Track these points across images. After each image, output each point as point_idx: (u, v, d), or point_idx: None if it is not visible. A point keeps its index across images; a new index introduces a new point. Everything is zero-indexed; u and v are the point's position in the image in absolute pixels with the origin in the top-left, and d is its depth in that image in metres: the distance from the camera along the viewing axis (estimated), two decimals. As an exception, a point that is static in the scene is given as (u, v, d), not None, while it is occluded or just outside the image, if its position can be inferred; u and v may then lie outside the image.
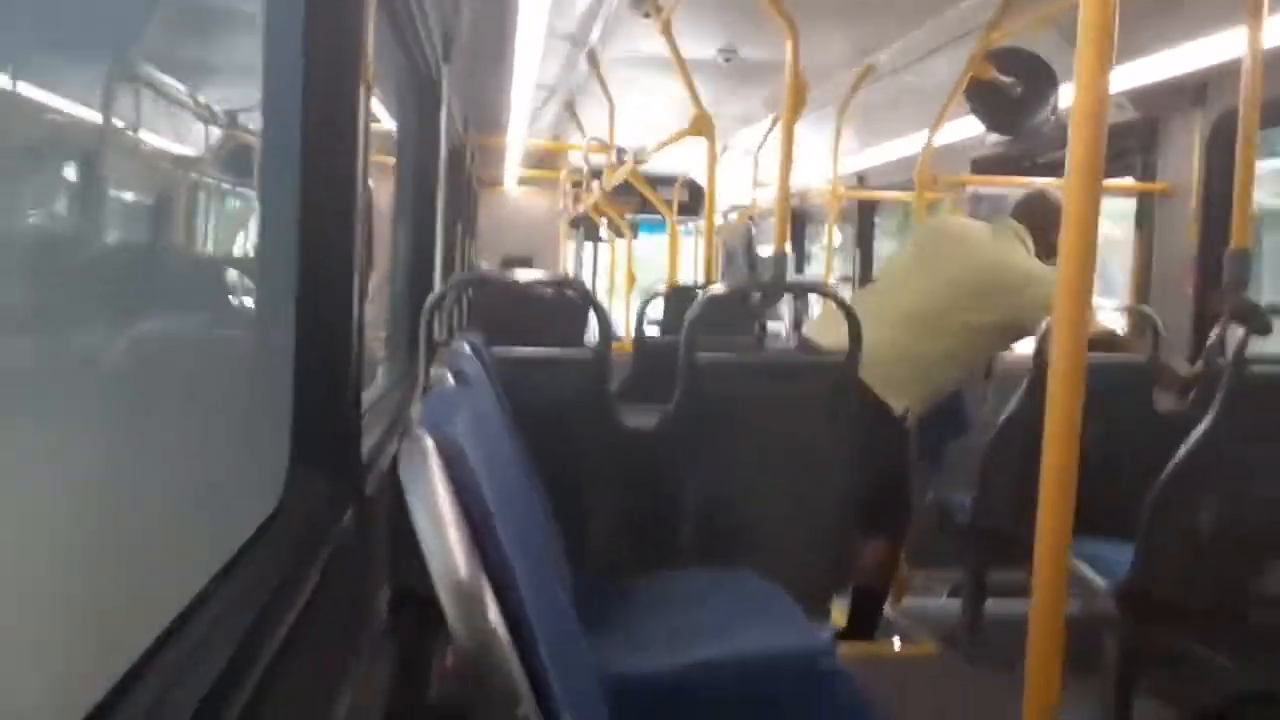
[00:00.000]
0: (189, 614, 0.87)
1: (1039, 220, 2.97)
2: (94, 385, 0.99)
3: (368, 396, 1.84)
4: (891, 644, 3.06)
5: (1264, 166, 3.24)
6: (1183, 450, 2.14)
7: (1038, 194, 3.09)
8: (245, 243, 1.72)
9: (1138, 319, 3.31)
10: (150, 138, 1.33)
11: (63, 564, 0.81)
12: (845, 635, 2.92)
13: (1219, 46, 2.92)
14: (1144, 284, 3.69)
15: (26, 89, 0.85)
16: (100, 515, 0.92)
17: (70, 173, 1.13)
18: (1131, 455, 2.30)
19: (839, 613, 3.03)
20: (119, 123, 1.18)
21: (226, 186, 1.72)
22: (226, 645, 0.84)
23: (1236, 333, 2.24)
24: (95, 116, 1.14)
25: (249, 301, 1.47)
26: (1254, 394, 2.13)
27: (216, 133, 1.57)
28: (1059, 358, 1.51)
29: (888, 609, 3.20)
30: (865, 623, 3.00)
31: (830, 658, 1.77)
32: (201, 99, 1.51)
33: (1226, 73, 2.84)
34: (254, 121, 1.36)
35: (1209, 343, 2.73)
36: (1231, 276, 2.33)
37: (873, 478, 2.57)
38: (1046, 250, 2.95)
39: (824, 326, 2.97)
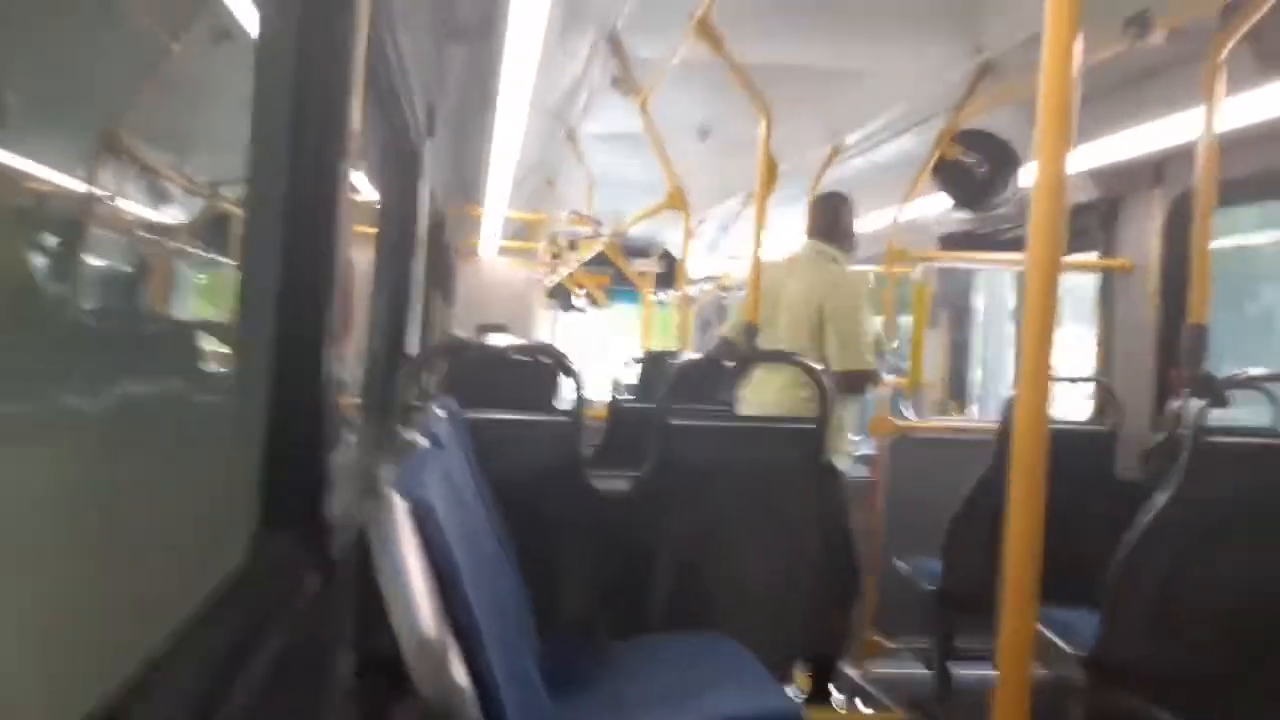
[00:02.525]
0: (146, 679, 0.86)
1: (831, 225, 3.48)
2: (62, 444, 1.00)
3: (338, 458, 1.84)
4: (859, 710, 3.04)
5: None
6: (1144, 518, 2.18)
7: (820, 199, 3.55)
8: (222, 308, 1.74)
9: (1101, 391, 3.37)
10: (132, 207, 1.36)
11: (17, 624, 0.81)
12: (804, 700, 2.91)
13: (1176, 128, 3.02)
14: (1107, 357, 3.77)
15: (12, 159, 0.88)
16: (57, 574, 0.92)
17: (51, 239, 1.16)
18: (1096, 523, 2.33)
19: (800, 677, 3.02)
20: (102, 193, 1.21)
21: (205, 254, 1.74)
22: (185, 712, 0.84)
23: (1195, 404, 2.29)
24: (81, 187, 1.17)
25: (223, 366, 1.48)
26: (1212, 463, 2.18)
27: (198, 203, 1.60)
28: (1022, 426, 1.54)
29: (856, 675, 3.19)
30: (822, 687, 2.99)
31: (801, 724, 1.76)
32: (185, 170, 1.55)
33: (1184, 154, 2.94)
34: (234, 191, 1.40)
35: (1168, 413, 2.78)
36: (1190, 350, 2.38)
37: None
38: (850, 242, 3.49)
39: (756, 387, 3.08)
